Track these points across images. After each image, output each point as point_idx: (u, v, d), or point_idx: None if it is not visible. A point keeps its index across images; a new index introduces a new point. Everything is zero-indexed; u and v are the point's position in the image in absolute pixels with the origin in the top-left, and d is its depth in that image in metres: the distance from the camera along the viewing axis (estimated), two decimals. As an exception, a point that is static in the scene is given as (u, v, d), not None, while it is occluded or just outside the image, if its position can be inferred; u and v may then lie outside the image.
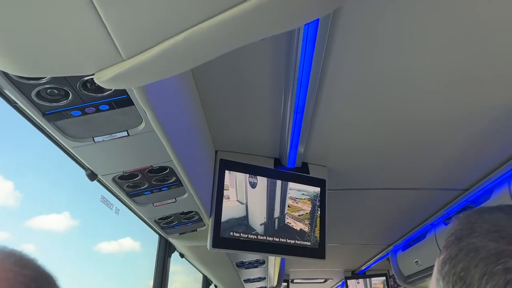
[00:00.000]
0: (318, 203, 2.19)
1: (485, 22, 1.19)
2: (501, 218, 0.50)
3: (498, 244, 0.46)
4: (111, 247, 2.63)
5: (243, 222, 2.00)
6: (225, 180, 2.02)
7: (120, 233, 2.65)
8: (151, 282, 2.54)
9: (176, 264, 3.46)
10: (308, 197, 2.19)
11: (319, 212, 2.19)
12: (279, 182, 2.14)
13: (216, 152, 2.05)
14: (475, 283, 0.45)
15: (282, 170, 2.16)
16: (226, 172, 2.04)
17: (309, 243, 2.13)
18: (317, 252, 2.15)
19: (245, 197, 2.04)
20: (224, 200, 1.99)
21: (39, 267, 0.62)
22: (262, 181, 2.10)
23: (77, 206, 2.12)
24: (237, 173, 2.05)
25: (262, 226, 2.04)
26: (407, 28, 1.22)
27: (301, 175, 2.19)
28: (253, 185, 2.07)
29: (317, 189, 2.21)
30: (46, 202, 1.91)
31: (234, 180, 2.04)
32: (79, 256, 2.21)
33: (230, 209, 1.99)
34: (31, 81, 0.89)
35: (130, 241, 2.81)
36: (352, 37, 1.26)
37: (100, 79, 0.69)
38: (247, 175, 2.07)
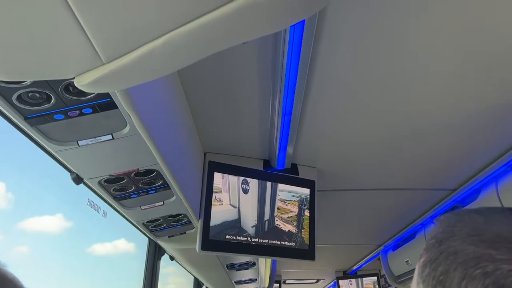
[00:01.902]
0: (305, 206, 2.19)
1: (476, 21, 1.20)
2: (480, 221, 0.50)
3: (478, 248, 0.46)
4: (105, 249, 2.60)
5: (235, 224, 2.00)
6: (218, 185, 2.01)
7: (113, 235, 2.63)
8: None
9: (170, 266, 3.45)
10: (298, 198, 2.19)
11: (308, 213, 2.19)
12: (269, 185, 2.14)
13: (205, 154, 2.05)
14: (454, 286, 0.45)
15: (272, 171, 2.16)
16: (219, 176, 2.03)
17: (298, 245, 2.13)
18: (307, 253, 2.15)
19: (237, 201, 2.03)
20: (218, 204, 1.98)
21: None
22: (253, 186, 2.09)
23: (69, 208, 2.10)
24: (229, 177, 2.05)
25: (253, 228, 2.04)
26: (395, 30, 1.22)
27: (291, 176, 2.19)
28: (246, 191, 2.07)
29: (307, 190, 2.21)
30: (38, 205, 1.89)
31: (227, 185, 2.04)
32: (73, 258, 2.19)
33: (223, 213, 1.99)
34: (12, 85, 0.88)
35: (124, 243, 2.78)
36: (339, 38, 1.26)
37: (81, 83, 0.68)
38: (240, 180, 2.06)
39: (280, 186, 2.16)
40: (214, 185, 2.01)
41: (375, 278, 5.28)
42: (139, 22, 0.60)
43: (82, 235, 2.31)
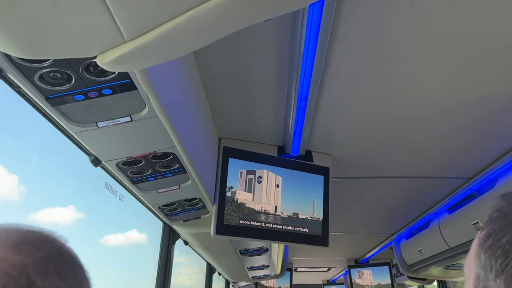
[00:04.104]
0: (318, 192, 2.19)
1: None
2: None
3: None
4: (117, 239, 2.63)
5: (250, 210, 2.01)
6: (234, 172, 2.03)
7: (126, 224, 2.65)
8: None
9: (182, 255, 3.49)
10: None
11: (322, 200, 2.19)
12: (284, 171, 2.14)
13: (219, 139, 2.05)
14: None
15: (286, 158, 2.16)
16: (235, 163, 2.04)
17: (311, 231, 2.13)
18: (320, 239, 2.15)
19: (252, 188, 2.04)
20: (233, 189, 2.00)
21: (43, 246, 0.52)
22: (267, 173, 2.10)
23: (83, 195, 2.12)
24: (244, 165, 2.06)
25: (268, 213, 2.05)
26: (415, 14, 1.20)
27: (305, 163, 2.18)
28: (260, 182, 2.08)
29: (321, 177, 2.21)
30: (51, 192, 1.91)
31: (243, 172, 2.05)
32: (86, 248, 2.22)
33: (239, 198, 2.00)
34: (34, 64, 0.89)
35: (136, 233, 2.81)
36: (357, 23, 1.25)
37: (103, 61, 0.69)
38: (255, 170, 2.07)
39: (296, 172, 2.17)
40: (229, 172, 2.02)
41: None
42: (163, -2, 0.60)
43: (96, 225, 2.33)
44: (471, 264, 0.53)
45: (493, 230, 0.50)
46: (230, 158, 2.04)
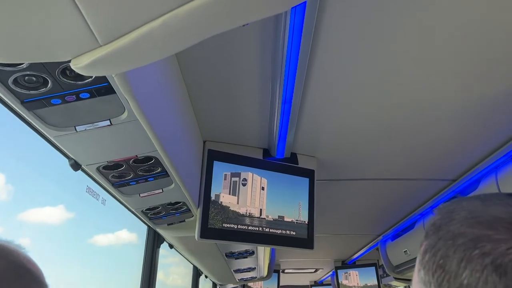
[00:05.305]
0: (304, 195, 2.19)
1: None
2: (478, 205, 0.51)
3: (475, 230, 0.47)
4: (107, 240, 2.60)
5: (235, 213, 2.00)
6: (218, 175, 2.01)
7: (115, 225, 2.62)
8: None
9: (172, 256, 3.45)
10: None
11: (307, 203, 2.19)
12: (269, 173, 2.13)
13: (204, 142, 2.04)
14: (454, 269, 0.46)
15: (271, 160, 2.15)
16: (219, 166, 2.02)
17: (297, 234, 2.13)
18: (306, 242, 2.15)
19: (237, 191, 2.03)
20: (216, 193, 1.98)
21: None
22: (252, 175, 2.09)
23: (68, 197, 2.08)
24: (229, 168, 2.05)
25: (252, 217, 2.04)
26: (398, 15, 1.20)
27: (290, 165, 2.18)
28: (244, 184, 2.06)
29: (306, 180, 2.21)
30: (37, 194, 1.87)
31: (228, 180, 2.04)
32: (75, 249, 2.19)
33: (223, 201, 1.99)
34: (8, 68, 0.87)
35: (126, 233, 2.78)
36: (340, 25, 1.25)
37: (77, 66, 0.67)
38: (240, 173, 2.06)
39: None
40: (214, 175, 2.00)
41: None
42: (137, 2, 0.58)
43: (84, 226, 2.30)
44: (415, 280, 0.54)
45: (429, 246, 0.51)
46: (214, 161, 2.03)
